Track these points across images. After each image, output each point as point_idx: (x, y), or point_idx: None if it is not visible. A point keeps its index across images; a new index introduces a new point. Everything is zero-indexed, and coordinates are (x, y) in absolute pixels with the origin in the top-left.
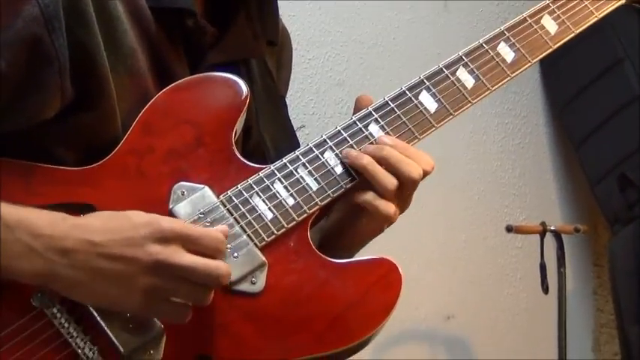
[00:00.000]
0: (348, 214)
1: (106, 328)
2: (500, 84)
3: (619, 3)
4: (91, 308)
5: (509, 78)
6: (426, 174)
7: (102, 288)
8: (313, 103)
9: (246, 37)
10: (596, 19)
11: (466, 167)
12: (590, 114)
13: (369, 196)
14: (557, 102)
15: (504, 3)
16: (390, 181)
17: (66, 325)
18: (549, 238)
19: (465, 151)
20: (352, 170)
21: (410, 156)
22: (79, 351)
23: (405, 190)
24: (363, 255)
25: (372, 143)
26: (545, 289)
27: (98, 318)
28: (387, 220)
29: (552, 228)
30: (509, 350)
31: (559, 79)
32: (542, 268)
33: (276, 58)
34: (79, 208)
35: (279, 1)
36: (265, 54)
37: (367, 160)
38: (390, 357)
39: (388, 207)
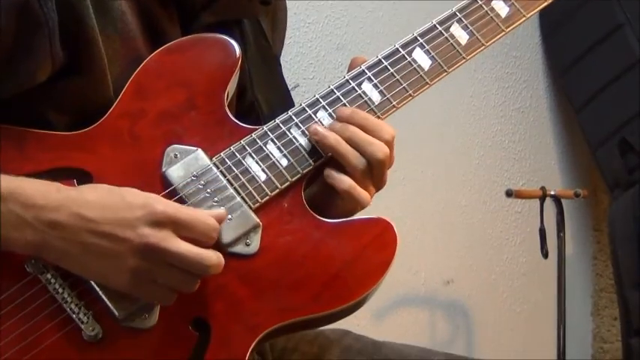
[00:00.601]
0: (323, 192)
1: (100, 292)
2: (494, 39)
3: None
4: None
5: (503, 33)
6: (389, 145)
7: (91, 263)
8: (313, 67)
9: None
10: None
11: (466, 132)
12: (590, 78)
13: (347, 184)
14: (558, 66)
15: None
16: (361, 162)
17: (60, 290)
18: (549, 203)
19: (465, 115)
20: None
21: (371, 130)
22: (74, 316)
23: (374, 170)
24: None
25: (365, 102)
26: (545, 254)
27: (93, 283)
28: (361, 206)
29: (552, 192)
30: (509, 315)
31: (560, 44)
32: (542, 232)
33: (271, 17)
34: (73, 173)
35: None
36: (259, 14)
37: (335, 140)
38: (389, 322)
39: (363, 196)
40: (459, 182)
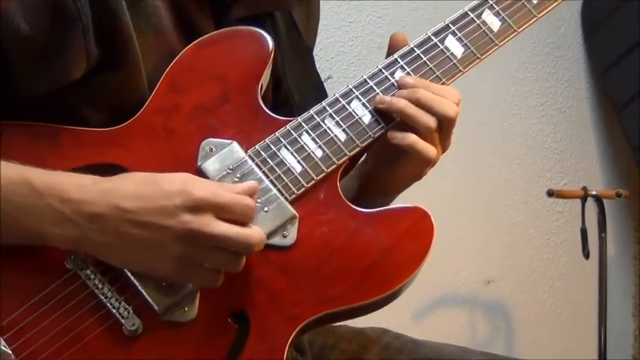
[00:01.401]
0: (387, 158)
1: (139, 287)
2: (526, 25)
3: None
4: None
5: (535, 19)
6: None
7: (133, 254)
8: (354, 66)
9: None
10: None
11: (507, 131)
12: (632, 78)
13: (411, 139)
14: (600, 66)
15: None
16: (431, 120)
17: (100, 285)
18: (590, 203)
19: (506, 115)
20: (381, 118)
21: (438, 92)
22: (115, 311)
23: (443, 129)
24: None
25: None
26: (586, 255)
27: (132, 278)
28: (429, 163)
29: (594, 193)
30: (549, 315)
31: (601, 43)
32: (583, 233)
33: (305, 8)
34: (110, 169)
35: None
36: (293, 5)
37: (404, 103)
38: (429, 321)
39: (429, 149)
40: (500, 182)
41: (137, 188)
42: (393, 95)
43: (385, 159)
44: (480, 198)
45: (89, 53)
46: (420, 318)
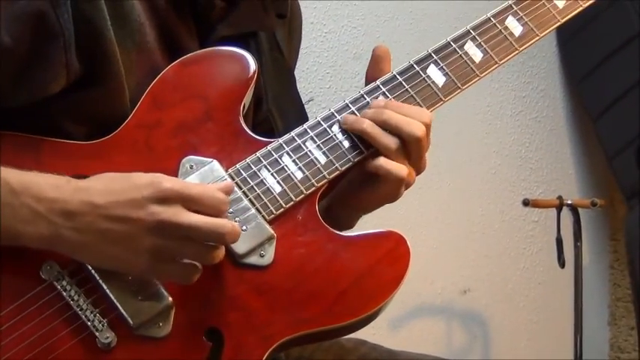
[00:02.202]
0: (360, 180)
1: (115, 300)
2: (508, 58)
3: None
4: (100, 281)
5: (517, 52)
6: (427, 127)
7: (108, 250)
8: (330, 76)
9: (255, 10)
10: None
11: (483, 141)
12: (607, 87)
13: (380, 161)
14: (575, 75)
15: None
16: (393, 141)
17: (75, 297)
18: (566, 212)
19: (482, 125)
20: (361, 143)
21: (407, 114)
22: (89, 323)
23: (411, 150)
24: (376, 228)
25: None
26: (562, 264)
27: (107, 291)
28: (402, 183)
29: (569, 202)
30: (525, 324)
31: (577, 53)
32: (559, 242)
33: (287, 27)
34: None
35: None
36: (275, 27)
37: (367, 124)
38: (405, 331)
39: (399, 169)
40: (475, 192)
41: (108, 184)
42: (359, 115)
43: (358, 181)
44: (456, 208)
45: (70, 68)
46: (397, 328)
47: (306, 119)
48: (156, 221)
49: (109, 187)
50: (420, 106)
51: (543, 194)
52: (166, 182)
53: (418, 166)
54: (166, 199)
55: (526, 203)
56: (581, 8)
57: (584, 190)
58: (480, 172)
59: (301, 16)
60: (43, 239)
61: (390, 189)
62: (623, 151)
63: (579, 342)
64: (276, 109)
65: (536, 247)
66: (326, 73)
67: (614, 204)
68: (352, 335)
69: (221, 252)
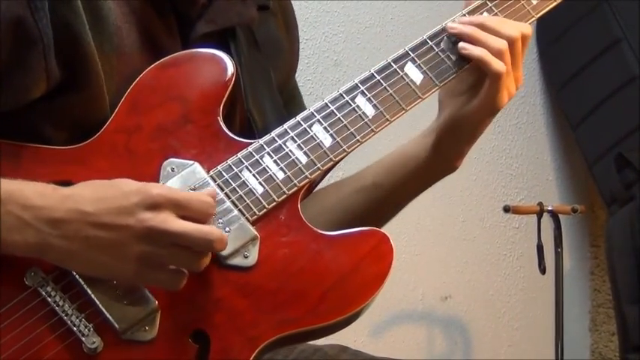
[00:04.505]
0: (457, 104)
1: (100, 305)
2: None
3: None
4: (85, 286)
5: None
6: (524, 37)
7: (95, 257)
8: (310, 83)
9: (234, 1)
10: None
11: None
12: (587, 94)
13: (480, 50)
14: (555, 82)
15: None
16: (501, 42)
17: (61, 303)
18: (546, 219)
19: None
20: (342, 142)
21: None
22: (75, 328)
23: (514, 53)
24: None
25: (359, 116)
26: (543, 270)
27: (92, 296)
28: (501, 81)
29: (549, 208)
30: (506, 330)
31: (557, 60)
32: (540, 248)
33: (282, 19)
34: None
35: None
36: (255, 19)
37: (471, 28)
38: (387, 337)
39: (498, 63)
40: (456, 198)
41: (96, 191)
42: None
43: (457, 106)
44: (437, 214)
45: (49, 74)
46: (378, 334)
47: (286, 119)
48: (145, 228)
49: (97, 195)
50: (399, 104)
51: (524, 200)
52: (155, 189)
53: (517, 75)
54: (155, 205)
55: (507, 210)
56: (555, 3)
57: (564, 196)
58: (461, 178)
59: (292, 6)
60: (30, 247)
61: (492, 92)
62: (603, 158)
63: (560, 348)
64: (256, 109)
65: (516, 253)
66: (307, 80)
67: (595, 210)
68: (334, 341)
69: (208, 259)
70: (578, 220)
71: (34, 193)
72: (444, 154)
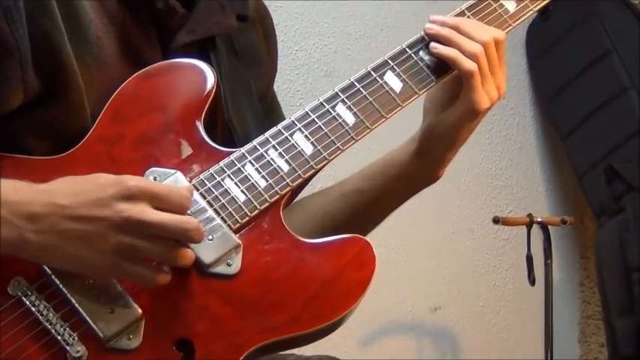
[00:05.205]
0: (439, 110)
1: (84, 314)
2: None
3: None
4: (68, 295)
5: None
6: (495, 42)
7: (72, 251)
8: (300, 94)
9: (213, 11)
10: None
11: (453, 159)
12: (577, 106)
13: (452, 51)
14: (545, 93)
15: None
16: (476, 46)
17: (45, 312)
18: (536, 230)
19: None
20: (323, 149)
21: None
22: (59, 337)
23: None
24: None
25: (340, 124)
26: (532, 281)
27: (76, 304)
28: (477, 84)
29: (539, 220)
30: (496, 342)
31: (546, 71)
32: (529, 259)
33: (261, 30)
34: None
35: None
36: (235, 29)
37: (447, 31)
38: (376, 348)
39: (470, 63)
40: (445, 209)
41: (71, 185)
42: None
43: (437, 108)
44: (426, 225)
45: (27, 84)
46: (367, 346)
47: (266, 128)
48: (122, 218)
49: (73, 188)
50: (379, 111)
51: (513, 212)
52: (131, 180)
53: (497, 81)
54: (132, 196)
55: (496, 221)
56: (531, 12)
57: (554, 207)
58: (450, 189)
59: (272, 18)
60: (7, 243)
61: (468, 93)
62: (592, 169)
63: (550, 359)
64: (237, 118)
65: (506, 264)
66: (296, 91)
67: (584, 222)
68: (323, 352)
69: (186, 253)
70: (568, 232)
71: (9, 189)
72: (426, 160)
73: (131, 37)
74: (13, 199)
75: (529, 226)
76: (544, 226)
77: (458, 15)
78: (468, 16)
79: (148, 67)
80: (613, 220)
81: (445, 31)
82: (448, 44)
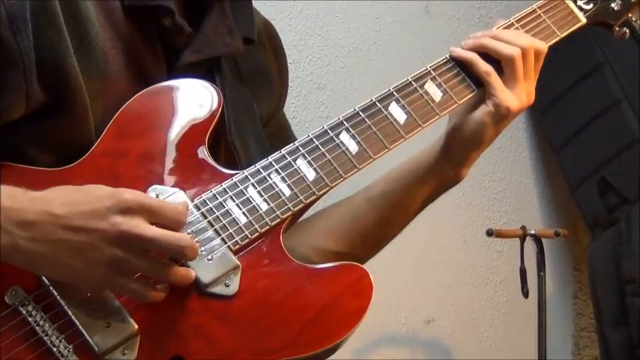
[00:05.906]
0: (464, 111)
1: (80, 327)
2: (465, 98)
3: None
4: (65, 307)
5: (474, 93)
6: (526, 50)
7: (65, 261)
8: (294, 107)
9: (220, 32)
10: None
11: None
12: (570, 118)
13: (488, 67)
14: (538, 106)
15: (486, 6)
16: (514, 50)
17: (41, 322)
18: (529, 242)
19: None
20: (325, 177)
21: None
22: (54, 349)
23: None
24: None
25: (343, 152)
26: (525, 294)
27: (73, 317)
28: (504, 105)
29: (532, 232)
30: (489, 354)
31: (539, 83)
32: (522, 272)
33: (271, 49)
34: None
35: (259, 3)
36: (241, 50)
37: (485, 38)
38: None
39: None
40: (439, 222)
41: (68, 195)
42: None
43: (463, 109)
44: (420, 237)
45: (30, 95)
46: (361, 358)
47: (269, 151)
48: (118, 232)
49: (69, 198)
50: (382, 142)
51: (507, 224)
52: (128, 194)
53: (529, 89)
54: (128, 209)
55: (490, 233)
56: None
57: (547, 220)
58: (444, 202)
59: (279, 36)
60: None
61: (499, 99)
62: (585, 182)
63: None
64: (239, 141)
65: (499, 277)
66: (290, 104)
67: (578, 234)
68: None
69: (178, 271)
70: (561, 244)
71: (4, 196)
72: (451, 159)
73: (137, 54)
74: (7, 206)
75: (522, 238)
76: (537, 239)
77: (507, 27)
78: (517, 27)
79: (154, 86)
80: (606, 232)
81: (484, 40)
82: (487, 51)
